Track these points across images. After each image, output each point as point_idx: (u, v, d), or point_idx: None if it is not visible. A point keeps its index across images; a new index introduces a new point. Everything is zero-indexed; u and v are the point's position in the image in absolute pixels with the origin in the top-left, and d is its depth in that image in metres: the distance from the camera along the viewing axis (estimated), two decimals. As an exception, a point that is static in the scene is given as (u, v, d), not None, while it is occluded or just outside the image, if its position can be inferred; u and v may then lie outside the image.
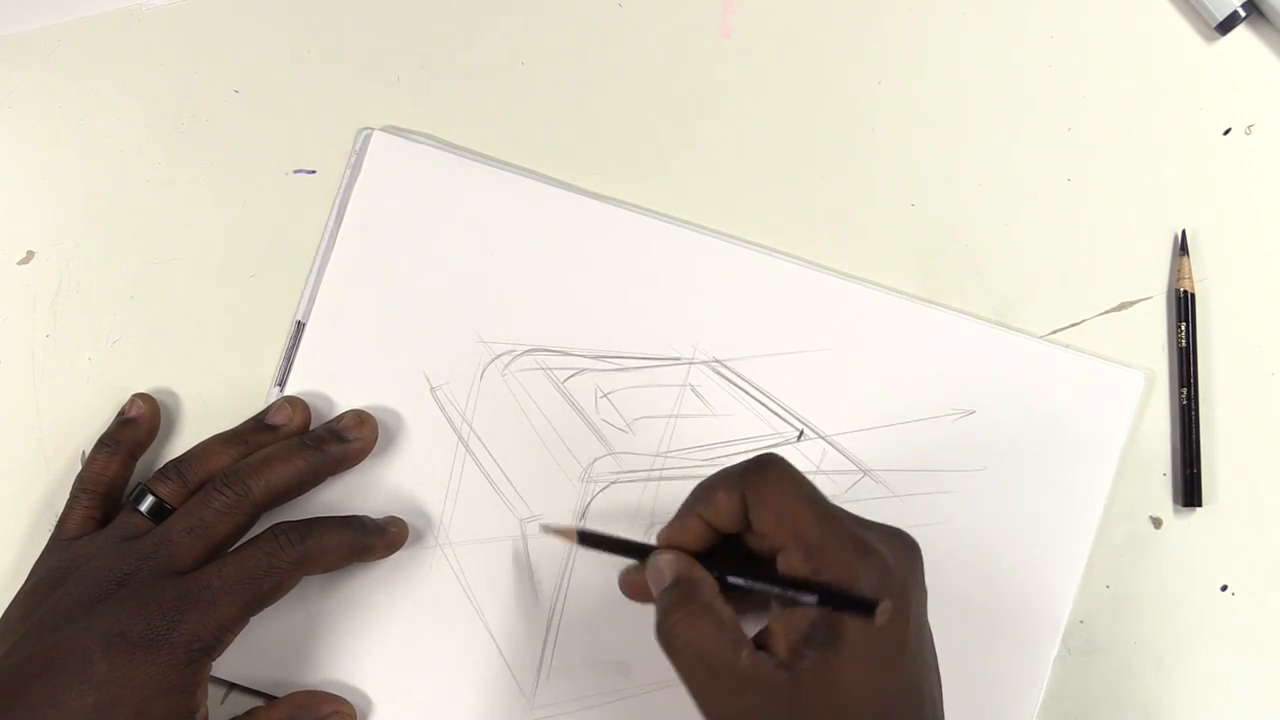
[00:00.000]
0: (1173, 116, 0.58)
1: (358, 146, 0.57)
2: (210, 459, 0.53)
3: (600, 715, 0.54)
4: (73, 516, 0.53)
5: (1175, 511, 0.57)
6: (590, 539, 0.51)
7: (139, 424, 0.55)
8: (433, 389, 0.56)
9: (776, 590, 0.43)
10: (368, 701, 0.54)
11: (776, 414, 0.56)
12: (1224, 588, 0.56)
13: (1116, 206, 0.57)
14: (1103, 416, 0.56)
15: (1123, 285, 0.57)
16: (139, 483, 0.53)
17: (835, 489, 0.55)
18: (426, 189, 0.56)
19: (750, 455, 0.54)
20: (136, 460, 0.55)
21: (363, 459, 0.55)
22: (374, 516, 0.54)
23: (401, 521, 0.54)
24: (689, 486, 0.54)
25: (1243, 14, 0.57)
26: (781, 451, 0.54)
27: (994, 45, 0.58)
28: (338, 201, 0.57)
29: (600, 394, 0.56)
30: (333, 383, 0.56)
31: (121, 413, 0.55)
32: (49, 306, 0.57)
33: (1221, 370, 0.57)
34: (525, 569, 0.55)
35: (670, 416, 0.56)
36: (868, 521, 0.45)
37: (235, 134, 0.57)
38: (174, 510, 0.51)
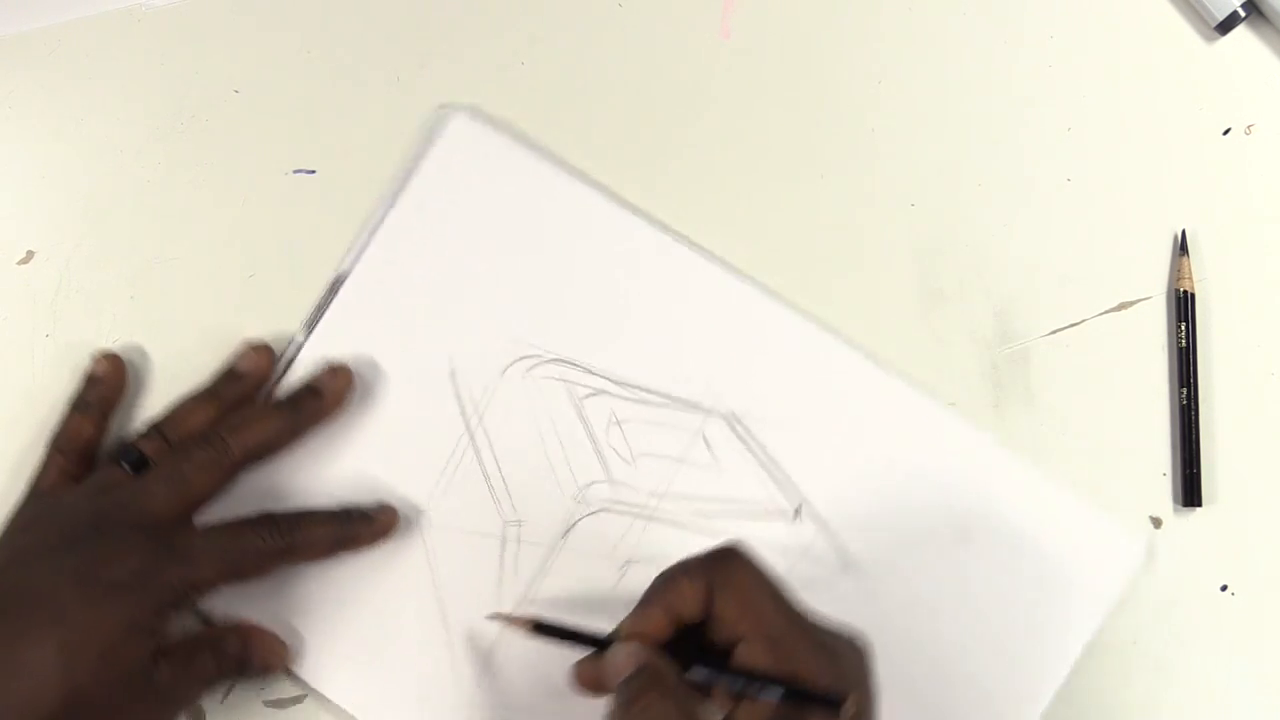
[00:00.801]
0: (1173, 116, 0.58)
1: (436, 122, 0.57)
2: (188, 418, 0.54)
3: None
4: (48, 473, 0.53)
5: (1175, 511, 0.57)
6: (545, 630, 0.49)
7: (107, 382, 0.55)
8: (452, 372, 0.56)
9: (742, 683, 0.43)
10: (317, 662, 0.54)
11: (780, 486, 0.55)
12: (1224, 588, 0.56)
13: (1116, 206, 0.57)
14: (1098, 575, 0.55)
15: (1123, 285, 0.57)
16: (118, 439, 0.53)
17: (818, 573, 0.55)
18: (493, 177, 0.56)
19: (744, 521, 0.54)
20: (108, 419, 0.55)
21: (340, 409, 0.55)
22: (365, 502, 0.54)
23: (392, 509, 0.54)
24: (674, 534, 0.54)
25: (1243, 14, 0.57)
26: (775, 526, 0.54)
27: (994, 45, 0.58)
28: (405, 169, 0.56)
29: (614, 420, 0.56)
30: (357, 342, 0.56)
31: (88, 373, 0.55)
32: (49, 306, 0.57)
33: (1221, 370, 0.57)
34: (496, 568, 0.55)
35: (676, 460, 0.55)
36: (823, 620, 0.46)
37: (235, 134, 0.57)
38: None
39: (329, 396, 0.54)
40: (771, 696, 0.42)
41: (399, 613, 0.54)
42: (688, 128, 0.58)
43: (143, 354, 0.56)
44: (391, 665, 0.54)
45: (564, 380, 0.56)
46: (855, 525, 0.55)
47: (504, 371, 0.56)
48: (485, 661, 0.54)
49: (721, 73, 0.58)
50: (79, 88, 0.58)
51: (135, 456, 0.52)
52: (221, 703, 0.55)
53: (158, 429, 0.53)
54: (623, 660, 0.45)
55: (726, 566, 0.45)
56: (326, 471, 0.55)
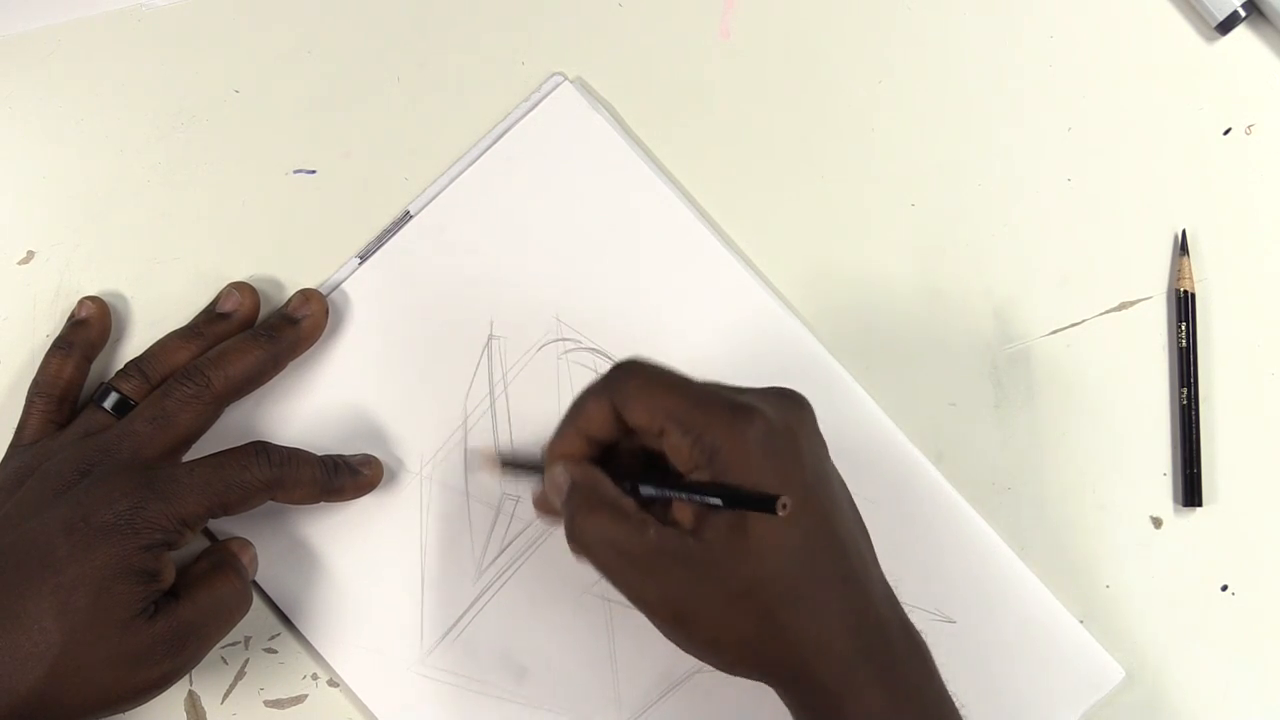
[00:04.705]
0: (1173, 116, 0.58)
1: (545, 87, 0.57)
2: (170, 355, 0.54)
3: (476, 703, 0.54)
4: (30, 421, 0.53)
5: (1175, 511, 0.57)
6: (510, 462, 0.53)
7: (90, 325, 0.55)
8: (491, 336, 0.56)
9: (684, 496, 0.44)
10: (296, 594, 0.55)
11: None
12: (1224, 588, 0.56)
13: (1116, 206, 0.57)
14: (1065, 691, 0.55)
15: (1123, 285, 0.57)
16: (100, 383, 0.53)
17: None
18: (583, 154, 0.56)
19: None
20: (91, 363, 0.55)
21: (318, 336, 0.55)
22: (352, 455, 0.54)
23: (378, 463, 0.54)
24: None
25: (1243, 14, 0.57)
26: None
27: (994, 45, 0.58)
28: (501, 125, 0.57)
29: None
30: (406, 281, 0.56)
31: (72, 315, 0.55)
32: (49, 306, 0.57)
33: (1221, 370, 0.57)
34: (484, 539, 0.55)
35: None
36: (746, 388, 0.46)
37: (235, 134, 0.57)
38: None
39: (306, 323, 0.54)
40: (713, 505, 0.43)
41: (381, 559, 0.55)
42: (686, 128, 0.58)
43: (124, 301, 0.56)
44: (361, 609, 0.55)
45: (595, 370, 0.56)
46: None
47: (540, 347, 0.56)
48: (448, 628, 0.55)
49: (721, 73, 0.58)
50: (79, 88, 0.57)
51: (117, 399, 0.52)
52: (222, 703, 0.55)
53: (138, 367, 0.53)
54: (557, 480, 0.46)
55: (623, 379, 0.46)
56: (340, 412, 0.55)
